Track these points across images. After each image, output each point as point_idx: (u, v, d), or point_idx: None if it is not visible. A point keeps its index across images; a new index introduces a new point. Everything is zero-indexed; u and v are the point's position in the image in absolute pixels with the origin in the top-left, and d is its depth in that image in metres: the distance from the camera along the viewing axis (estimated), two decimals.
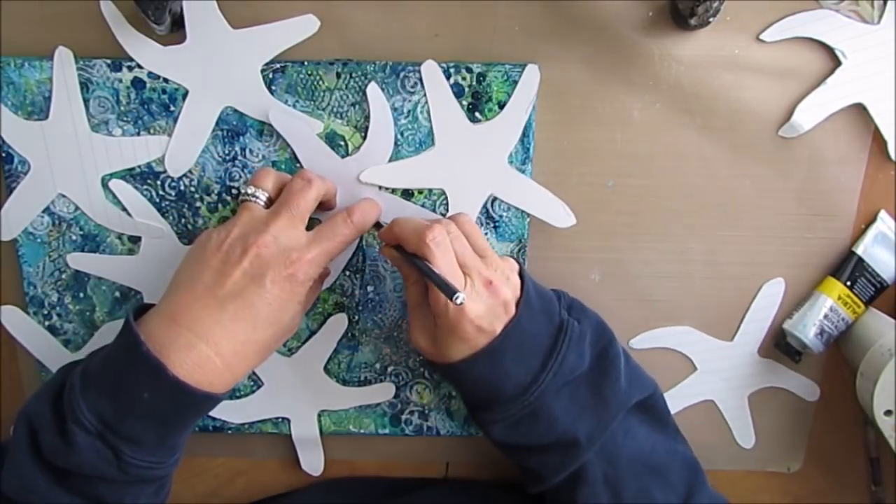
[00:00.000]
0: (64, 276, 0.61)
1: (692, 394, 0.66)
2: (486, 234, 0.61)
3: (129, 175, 0.59)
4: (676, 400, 0.66)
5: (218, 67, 0.57)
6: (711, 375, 0.66)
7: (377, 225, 0.57)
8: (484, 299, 0.52)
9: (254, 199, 0.53)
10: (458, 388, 0.60)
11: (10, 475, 0.50)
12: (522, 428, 0.54)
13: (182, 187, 0.60)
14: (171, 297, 0.51)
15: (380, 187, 0.60)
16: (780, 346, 0.64)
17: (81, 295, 0.62)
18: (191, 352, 0.48)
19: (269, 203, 0.54)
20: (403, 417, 0.66)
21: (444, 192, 0.60)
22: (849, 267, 0.62)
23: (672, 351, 0.65)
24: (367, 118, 0.58)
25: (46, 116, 0.58)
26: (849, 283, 0.62)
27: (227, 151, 0.59)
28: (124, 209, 0.60)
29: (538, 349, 0.53)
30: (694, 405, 0.67)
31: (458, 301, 0.48)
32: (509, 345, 0.52)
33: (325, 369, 0.64)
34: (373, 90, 0.58)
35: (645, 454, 0.55)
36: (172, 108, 0.58)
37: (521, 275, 0.55)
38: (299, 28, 0.57)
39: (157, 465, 0.50)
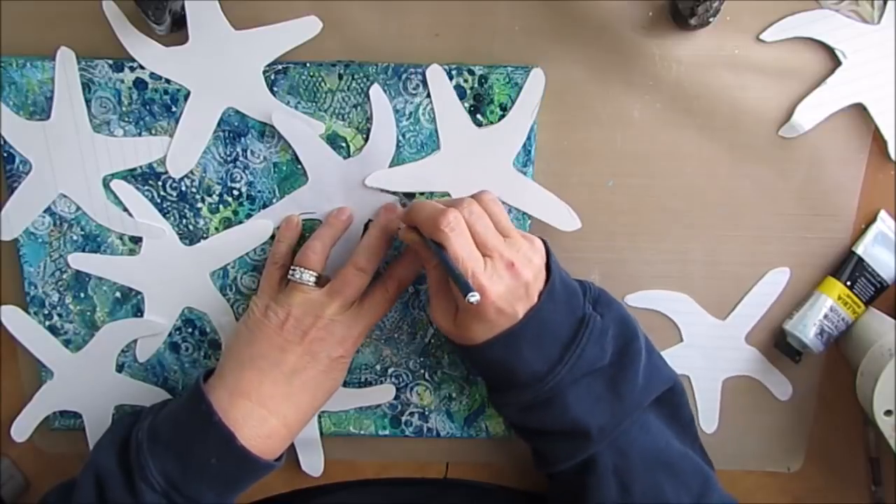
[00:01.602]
0: (65, 276, 0.61)
1: (671, 365, 0.65)
2: None
3: (131, 175, 0.60)
4: None
5: (220, 68, 0.57)
6: (694, 350, 0.65)
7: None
8: (505, 281, 0.51)
9: (303, 283, 0.57)
10: (476, 369, 0.62)
11: None
12: (535, 413, 0.55)
13: (183, 188, 0.60)
14: (238, 374, 0.55)
15: (382, 189, 0.60)
16: (780, 346, 0.64)
17: (82, 295, 0.62)
18: (263, 426, 0.54)
19: (318, 279, 0.57)
20: (404, 419, 0.66)
21: (447, 195, 0.60)
22: (849, 267, 0.62)
23: (664, 317, 0.65)
24: (369, 120, 0.59)
25: (48, 116, 0.58)
26: (849, 283, 0.62)
27: (228, 152, 0.59)
28: (125, 209, 0.60)
29: (557, 339, 0.53)
30: None
31: (473, 300, 0.48)
32: (528, 331, 0.52)
33: None
34: (376, 92, 0.58)
35: (658, 450, 0.56)
36: (174, 109, 0.58)
37: (548, 259, 0.54)
38: (301, 29, 0.57)
39: None
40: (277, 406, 0.55)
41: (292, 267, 0.58)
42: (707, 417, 0.67)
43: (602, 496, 0.54)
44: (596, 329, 0.54)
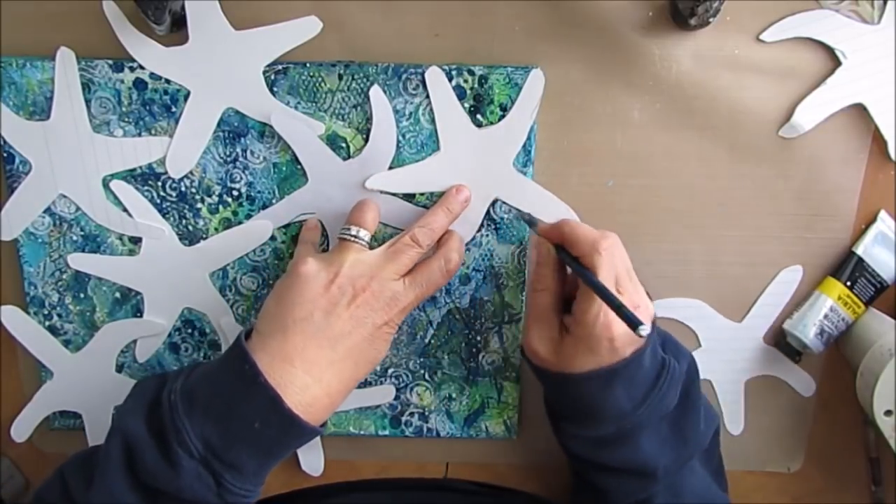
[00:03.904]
0: (64, 276, 0.61)
1: None
2: (486, 235, 0.61)
3: (131, 176, 0.60)
4: None
5: (220, 68, 0.57)
6: (713, 355, 0.65)
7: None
8: None
9: (359, 241, 0.55)
10: (554, 397, 0.59)
11: (100, 493, 0.50)
12: (607, 449, 0.54)
13: (183, 188, 0.60)
14: (280, 338, 0.52)
15: (382, 191, 0.60)
16: (780, 345, 0.64)
17: (82, 295, 0.62)
18: (306, 394, 0.51)
19: (369, 242, 0.56)
20: (403, 419, 0.66)
21: None
22: (849, 267, 0.62)
23: (680, 324, 0.65)
24: (369, 120, 0.59)
25: (48, 117, 0.58)
26: (849, 283, 0.62)
27: (228, 152, 0.59)
28: (125, 210, 0.60)
29: (645, 382, 0.53)
30: None
31: (644, 333, 0.45)
32: (628, 371, 0.52)
33: None
34: (376, 93, 0.58)
35: (704, 493, 0.56)
36: (174, 109, 0.58)
37: None
38: (301, 29, 0.57)
39: (250, 493, 0.52)
40: (321, 373, 0.52)
41: (346, 225, 0.56)
42: (732, 419, 0.67)
43: None
44: (676, 375, 0.54)
